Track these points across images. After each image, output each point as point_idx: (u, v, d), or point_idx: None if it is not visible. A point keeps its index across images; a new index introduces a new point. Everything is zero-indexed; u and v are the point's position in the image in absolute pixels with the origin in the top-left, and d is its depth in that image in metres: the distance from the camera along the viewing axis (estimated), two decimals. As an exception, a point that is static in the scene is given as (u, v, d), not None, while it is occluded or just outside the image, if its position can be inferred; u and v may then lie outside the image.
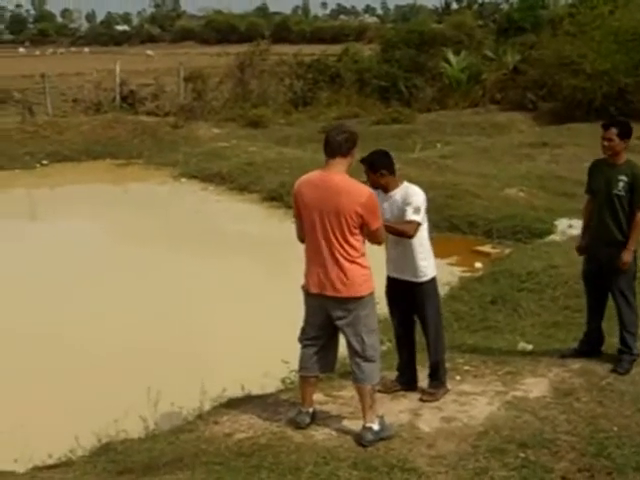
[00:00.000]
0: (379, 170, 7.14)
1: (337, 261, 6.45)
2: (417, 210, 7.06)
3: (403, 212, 7.10)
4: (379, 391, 7.40)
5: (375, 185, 7.14)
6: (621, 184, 7.84)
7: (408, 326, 7.69)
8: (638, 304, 8.33)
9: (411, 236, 7.11)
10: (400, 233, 7.09)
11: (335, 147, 6.48)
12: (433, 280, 7.43)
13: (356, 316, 6.54)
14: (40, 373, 9.58)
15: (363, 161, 7.19)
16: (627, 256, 7.87)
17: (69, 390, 9.14)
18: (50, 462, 7.16)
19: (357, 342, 6.60)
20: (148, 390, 7.91)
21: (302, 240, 6.76)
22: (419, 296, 7.39)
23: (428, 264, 7.34)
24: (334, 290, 6.48)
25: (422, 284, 7.35)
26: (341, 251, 6.44)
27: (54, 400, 8.90)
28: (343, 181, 6.45)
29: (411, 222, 7.06)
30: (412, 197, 7.11)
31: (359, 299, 6.50)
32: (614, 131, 7.88)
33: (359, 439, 6.60)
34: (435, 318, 7.51)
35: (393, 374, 7.85)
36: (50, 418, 8.40)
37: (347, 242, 6.43)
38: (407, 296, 7.44)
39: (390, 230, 6.99)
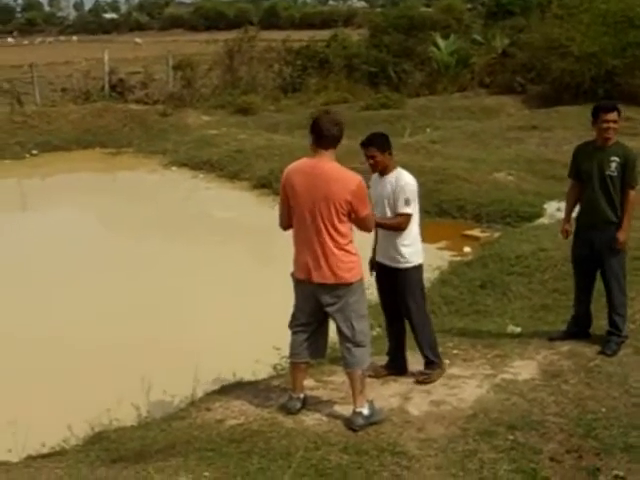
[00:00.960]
0: (387, 150, 7.24)
1: (326, 248, 6.51)
2: (408, 202, 7.16)
3: (394, 197, 7.19)
4: (369, 376, 7.47)
5: (377, 166, 7.28)
6: (614, 165, 7.93)
7: (397, 312, 7.70)
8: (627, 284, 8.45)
9: (403, 229, 7.23)
10: (393, 228, 7.20)
11: (331, 140, 6.53)
12: (417, 268, 7.47)
13: (345, 302, 6.60)
14: (33, 365, 9.57)
15: (368, 143, 7.27)
16: (622, 235, 7.96)
17: (62, 381, 9.16)
18: (44, 451, 7.20)
19: (347, 328, 6.66)
20: (141, 379, 7.95)
21: (284, 228, 6.84)
22: (401, 282, 7.44)
23: (413, 251, 7.38)
24: (323, 277, 6.54)
25: (405, 270, 7.41)
26: (330, 238, 6.49)
27: (48, 391, 8.91)
28: (334, 169, 6.51)
29: (402, 215, 7.18)
30: (404, 187, 7.19)
31: (348, 285, 6.56)
32: (616, 114, 8.00)
33: (349, 424, 6.66)
34: (418, 305, 7.54)
35: (383, 359, 7.90)
36: (44, 409, 8.41)
37: (336, 229, 6.49)
38: (393, 282, 7.49)
39: (383, 226, 7.10)
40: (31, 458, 7.01)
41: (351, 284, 6.58)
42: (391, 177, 7.26)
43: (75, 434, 7.36)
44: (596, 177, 8.05)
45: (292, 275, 6.83)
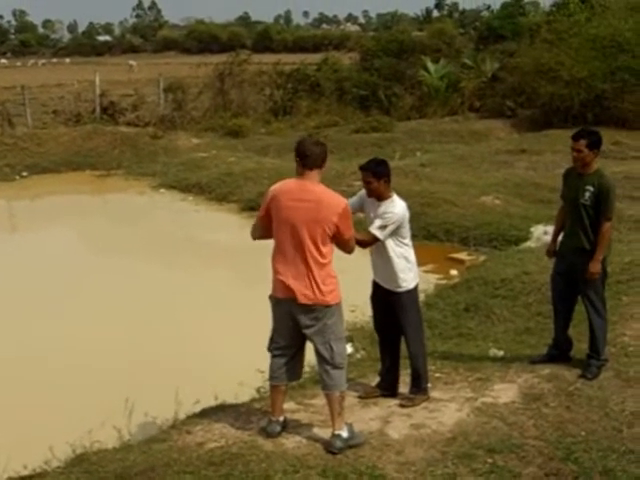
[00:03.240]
0: (382, 177, 7.26)
1: (307, 269, 6.57)
2: (383, 227, 7.21)
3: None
4: (360, 397, 7.64)
5: (372, 192, 7.33)
6: (587, 194, 7.93)
7: (391, 331, 7.73)
8: (608, 309, 8.49)
9: (363, 247, 7.30)
10: (358, 242, 7.22)
11: (314, 159, 6.62)
12: (411, 292, 7.52)
13: (324, 324, 6.63)
14: (16, 385, 9.60)
15: (365, 168, 7.32)
16: (594, 267, 7.94)
17: (45, 402, 9.17)
18: (25, 473, 7.16)
19: (325, 350, 6.68)
20: (124, 401, 7.98)
21: (255, 238, 6.95)
22: (396, 305, 7.50)
23: (406, 276, 7.43)
24: (303, 297, 6.57)
25: (399, 294, 7.46)
26: (313, 259, 6.56)
27: (30, 412, 8.90)
28: (323, 192, 6.61)
29: (369, 234, 7.24)
30: (388, 213, 7.23)
31: (326, 307, 6.60)
32: (583, 142, 7.95)
33: (328, 446, 6.67)
34: (414, 328, 7.58)
35: (366, 381, 7.95)
36: (26, 429, 8.40)
37: (319, 251, 6.56)
38: (388, 302, 7.55)
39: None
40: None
41: (329, 306, 6.62)
42: (385, 203, 7.31)
43: (56, 456, 7.30)
44: (572, 204, 8.11)
45: (270, 297, 6.88)
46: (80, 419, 8.18)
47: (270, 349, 6.98)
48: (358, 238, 7.14)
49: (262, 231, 6.86)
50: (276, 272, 6.77)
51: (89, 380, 9.62)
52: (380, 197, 7.33)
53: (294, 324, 6.73)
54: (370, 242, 7.25)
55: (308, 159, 6.61)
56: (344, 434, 6.69)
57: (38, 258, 15.82)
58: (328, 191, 6.63)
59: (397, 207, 7.29)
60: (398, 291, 7.45)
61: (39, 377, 9.82)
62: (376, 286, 7.68)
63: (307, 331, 6.70)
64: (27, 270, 14.87)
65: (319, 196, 6.55)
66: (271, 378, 7.02)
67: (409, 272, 7.46)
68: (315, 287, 6.58)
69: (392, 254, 7.35)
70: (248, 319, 11.13)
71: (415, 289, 7.59)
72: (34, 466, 7.27)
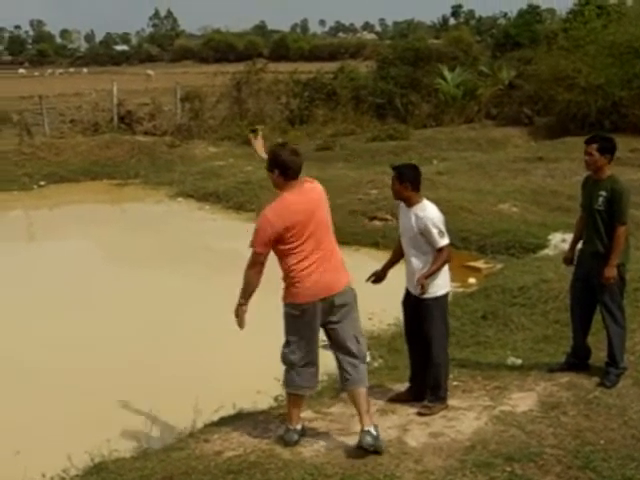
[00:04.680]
0: (405, 181, 7.30)
1: (334, 256, 6.77)
2: (442, 234, 7.30)
3: (418, 232, 7.30)
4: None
5: (398, 196, 7.41)
6: (601, 199, 7.95)
7: (420, 339, 7.71)
8: (627, 316, 8.45)
9: (449, 261, 7.46)
10: (442, 267, 7.37)
11: (297, 169, 6.72)
12: (438, 299, 7.51)
13: (351, 307, 6.80)
14: (34, 393, 9.63)
15: (392, 168, 7.46)
16: (608, 271, 7.91)
17: (64, 410, 9.19)
18: (43, 481, 7.23)
19: (352, 343, 6.77)
20: (142, 409, 8.02)
21: (256, 281, 7.13)
22: (422, 312, 7.50)
23: (433, 283, 7.41)
24: (338, 284, 6.74)
25: (425, 301, 7.46)
26: (334, 245, 6.81)
27: (49, 420, 8.92)
28: (311, 185, 6.87)
29: (441, 249, 7.30)
30: (433, 220, 7.27)
31: (352, 290, 6.83)
32: (594, 146, 7.98)
33: (358, 443, 6.65)
34: (439, 337, 7.58)
35: (383, 390, 7.97)
36: (44, 438, 8.43)
37: (334, 237, 6.86)
38: (417, 310, 7.56)
39: (433, 273, 7.29)
40: (30, 488, 7.04)
41: (353, 289, 6.86)
42: (415, 210, 7.33)
43: (75, 464, 7.33)
44: (588, 210, 8.14)
45: (293, 307, 6.84)
46: (99, 428, 8.22)
47: (298, 361, 6.90)
48: (435, 268, 7.32)
49: (261, 271, 6.98)
50: (305, 278, 6.70)
51: (108, 388, 9.61)
52: (408, 202, 7.38)
53: (316, 329, 6.79)
54: (447, 254, 7.38)
55: (291, 171, 6.69)
56: (374, 431, 6.68)
57: (56, 267, 15.92)
58: (309, 182, 6.87)
59: (429, 210, 7.34)
60: (424, 297, 7.43)
61: (57, 385, 9.84)
62: (407, 292, 7.70)
63: (336, 325, 6.76)
64: (45, 279, 14.93)
65: (312, 189, 6.80)
66: (301, 388, 6.96)
67: (437, 279, 7.44)
68: (342, 270, 6.80)
69: (424, 260, 7.38)
70: (265, 327, 11.12)
71: (444, 297, 7.60)
72: (52, 475, 7.36)
